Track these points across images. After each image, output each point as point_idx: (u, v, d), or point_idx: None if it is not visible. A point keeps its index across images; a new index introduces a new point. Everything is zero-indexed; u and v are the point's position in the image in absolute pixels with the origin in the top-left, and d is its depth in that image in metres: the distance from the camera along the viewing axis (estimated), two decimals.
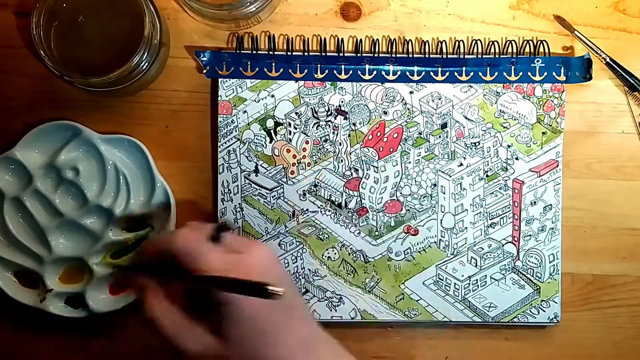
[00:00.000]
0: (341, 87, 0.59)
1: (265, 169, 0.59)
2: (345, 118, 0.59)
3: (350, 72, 0.59)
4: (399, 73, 0.59)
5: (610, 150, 0.61)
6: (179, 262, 0.46)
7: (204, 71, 0.58)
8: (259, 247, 0.48)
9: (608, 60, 0.59)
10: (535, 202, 0.60)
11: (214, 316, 0.45)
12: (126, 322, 0.60)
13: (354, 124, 0.59)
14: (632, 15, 0.61)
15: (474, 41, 0.59)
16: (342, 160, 0.59)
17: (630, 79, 0.59)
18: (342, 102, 0.59)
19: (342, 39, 0.59)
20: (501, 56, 0.59)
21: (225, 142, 0.59)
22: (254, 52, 0.59)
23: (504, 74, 0.59)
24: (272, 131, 0.59)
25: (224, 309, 0.44)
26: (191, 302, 0.47)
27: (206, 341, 0.45)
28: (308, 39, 0.59)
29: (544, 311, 0.60)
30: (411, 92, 0.59)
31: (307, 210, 0.59)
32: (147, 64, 0.55)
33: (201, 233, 0.47)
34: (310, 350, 0.46)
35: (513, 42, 0.60)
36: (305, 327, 0.47)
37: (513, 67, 0.59)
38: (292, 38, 0.59)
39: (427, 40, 0.59)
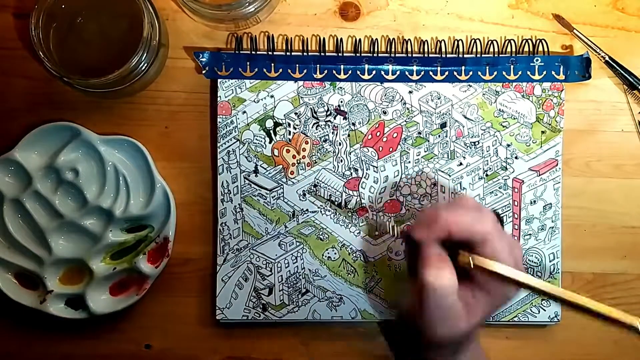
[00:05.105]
0: (340, 87, 0.59)
1: (265, 169, 0.59)
2: (345, 118, 0.59)
3: (350, 72, 0.59)
4: (398, 73, 0.59)
5: (610, 149, 0.61)
6: (467, 244, 0.45)
7: (203, 72, 0.58)
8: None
9: (607, 58, 0.59)
10: (535, 201, 0.60)
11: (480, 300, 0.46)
12: (127, 324, 0.60)
13: (353, 124, 0.59)
14: (631, 14, 0.61)
15: (473, 40, 0.59)
16: (341, 160, 0.59)
17: (629, 77, 0.60)
18: (341, 102, 0.59)
19: (341, 39, 0.59)
20: (500, 55, 0.59)
21: (225, 143, 0.59)
22: (253, 52, 0.59)
23: (503, 73, 0.59)
24: (271, 131, 0.59)
25: (503, 300, 0.46)
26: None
27: (471, 322, 0.45)
28: (307, 39, 0.59)
29: (545, 310, 0.60)
30: (410, 92, 0.59)
31: (307, 210, 0.59)
32: (146, 64, 0.55)
33: (493, 219, 0.46)
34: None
35: (512, 41, 0.60)
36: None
37: (512, 66, 0.59)
38: (291, 38, 0.59)
39: (426, 40, 0.59)
